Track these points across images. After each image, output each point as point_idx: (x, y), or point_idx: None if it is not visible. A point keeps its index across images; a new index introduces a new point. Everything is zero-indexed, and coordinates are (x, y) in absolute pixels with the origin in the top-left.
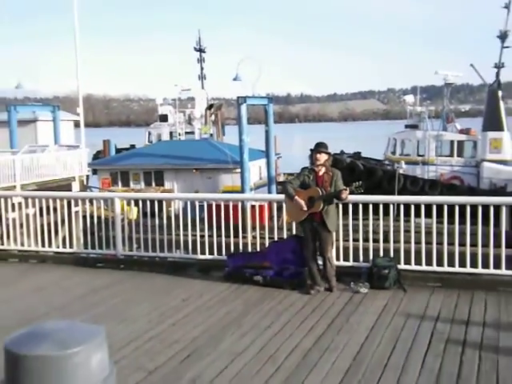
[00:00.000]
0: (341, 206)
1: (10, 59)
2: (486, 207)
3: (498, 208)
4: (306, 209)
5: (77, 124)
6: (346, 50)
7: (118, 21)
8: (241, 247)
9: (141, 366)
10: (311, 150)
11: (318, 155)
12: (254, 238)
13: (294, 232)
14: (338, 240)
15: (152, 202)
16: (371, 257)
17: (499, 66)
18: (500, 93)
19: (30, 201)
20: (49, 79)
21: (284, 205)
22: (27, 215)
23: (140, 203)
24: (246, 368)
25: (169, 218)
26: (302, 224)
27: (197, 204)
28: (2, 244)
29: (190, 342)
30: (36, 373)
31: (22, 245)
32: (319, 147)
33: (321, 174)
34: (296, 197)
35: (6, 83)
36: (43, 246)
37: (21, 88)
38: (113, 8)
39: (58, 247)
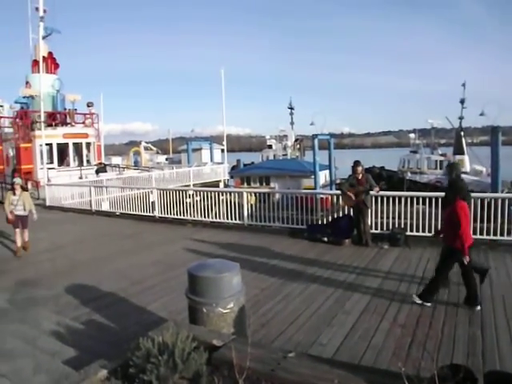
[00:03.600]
0: (374, 198)
1: (188, 114)
2: None
3: None
4: (354, 198)
5: (222, 150)
6: (377, 104)
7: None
8: (315, 221)
9: (257, 285)
10: (353, 165)
11: (357, 167)
12: (322, 216)
13: (346, 213)
14: (375, 217)
15: (263, 194)
16: (390, 227)
17: (461, 118)
18: (462, 133)
19: (197, 192)
20: (207, 125)
21: (340, 197)
22: (196, 200)
23: (257, 195)
24: (318, 288)
25: (272, 203)
26: (352, 207)
27: (289, 196)
28: (184, 215)
29: (285, 273)
30: (204, 285)
31: (193, 216)
32: (357, 163)
33: (360, 177)
34: (347, 192)
35: (186, 128)
36: (204, 217)
37: (193, 131)
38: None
39: (212, 218)
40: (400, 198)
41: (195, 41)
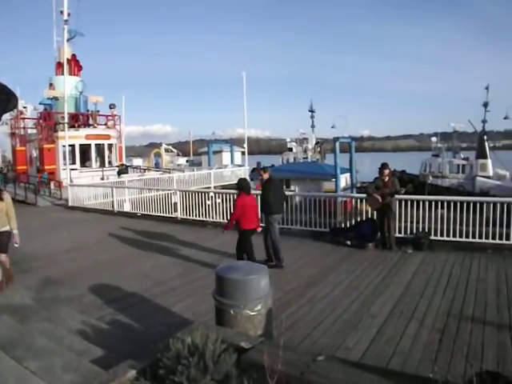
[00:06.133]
0: (398, 201)
1: (209, 118)
2: (478, 203)
3: (483, 203)
4: (381, 201)
5: (243, 153)
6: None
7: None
8: (337, 224)
9: (281, 288)
10: (379, 168)
11: (385, 170)
12: (344, 219)
13: (369, 216)
14: (399, 221)
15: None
16: (414, 231)
17: (484, 122)
18: (485, 136)
19: (218, 194)
20: (227, 128)
21: (364, 200)
22: (218, 203)
23: None
24: (343, 292)
25: (294, 206)
26: (377, 210)
27: (310, 199)
28: (205, 217)
29: (309, 276)
30: (232, 287)
31: (214, 218)
32: (385, 165)
33: (386, 180)
34: (374, 194)
35: (206, 131)
36: (225, 219)
37: (214, 134)
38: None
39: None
40: (424, 201)
41: (216, 43)
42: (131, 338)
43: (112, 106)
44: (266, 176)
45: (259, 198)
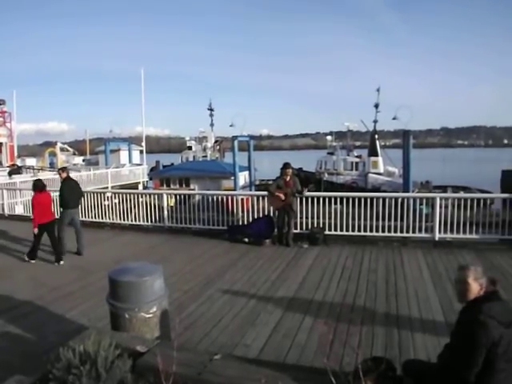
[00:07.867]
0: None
1: (106, 115)
2: (370, 198)
3: (374, 198)
4: (283, 198)
5: (141, 152)
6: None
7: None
8: (235, 222)
9: (179, 288)
10: (282, 167)
11: (288, 169)
12: (242, 217)
13: (266, 213)
14: (295, 217)
15: (183, 195)
16: (310, 227)
17: (375, 122)
18: (376, 136)
19: (115, 195)
20: (126, 126)
21: (266, 198)
22: (114, 203)
23: (177, 197)
24: (239, 290)
25: (192, 205)
26: (279, 209)
27: (209, 197)
28: (102, 218)
29: (207, 275)
30: (125, 290)
31: (112, 219)
32: (288, 165)
33: (288, 179)
34: (276, 193)
35: (104, 130)
36: (123, 220)
37: (111, 132)
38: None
39: (131, 221)
40: (318, 198)
41: (113, 36)
42: (22, 351)
43: (1, 103)
44: (64, 175)
45: (58, 194)
